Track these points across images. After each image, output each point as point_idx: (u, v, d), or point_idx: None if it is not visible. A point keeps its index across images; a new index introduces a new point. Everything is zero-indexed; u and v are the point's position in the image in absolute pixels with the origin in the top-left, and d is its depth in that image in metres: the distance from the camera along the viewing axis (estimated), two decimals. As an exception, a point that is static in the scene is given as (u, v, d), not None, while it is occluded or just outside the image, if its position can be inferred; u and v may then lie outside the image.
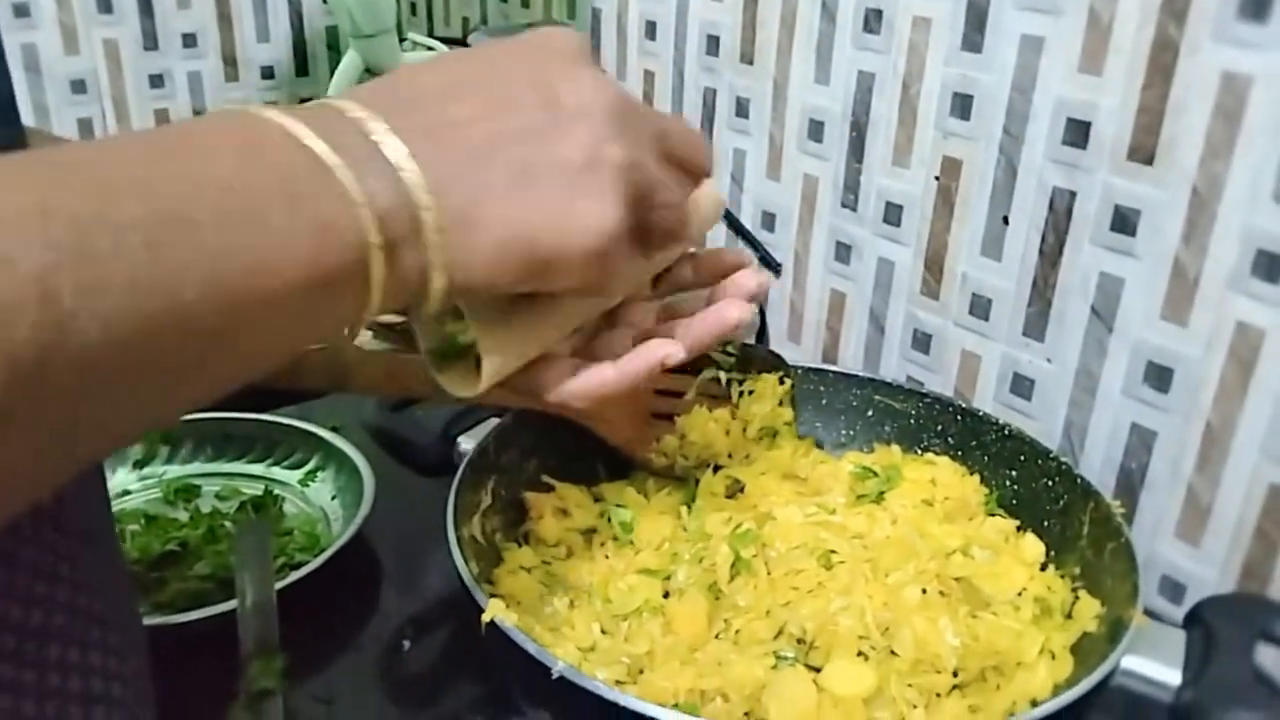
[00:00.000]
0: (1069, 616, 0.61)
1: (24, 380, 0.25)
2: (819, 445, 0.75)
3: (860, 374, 0.78)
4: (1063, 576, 0.64)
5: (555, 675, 0.49)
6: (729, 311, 0.49)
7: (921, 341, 0.83)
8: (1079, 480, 0.65)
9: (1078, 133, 0.68)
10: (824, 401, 0.77)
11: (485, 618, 0.52)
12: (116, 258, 0.27)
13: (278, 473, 0.79)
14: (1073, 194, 0.69)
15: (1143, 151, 0.65)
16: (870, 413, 0.77)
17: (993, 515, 0.69)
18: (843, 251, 0.87)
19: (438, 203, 0.35)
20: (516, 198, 0.37)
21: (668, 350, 0.46)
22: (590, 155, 0.38)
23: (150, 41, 1.25)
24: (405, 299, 0.37)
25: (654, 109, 0.44)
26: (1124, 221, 0.67)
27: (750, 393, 0.72)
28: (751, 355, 0.73)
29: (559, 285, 0.39)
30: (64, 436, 0.28)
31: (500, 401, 0.68)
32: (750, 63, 0.90)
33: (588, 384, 0.46)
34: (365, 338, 0.58)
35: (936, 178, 0.78)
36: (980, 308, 0.78)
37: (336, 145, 0.34)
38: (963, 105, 0.75)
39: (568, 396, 0.46)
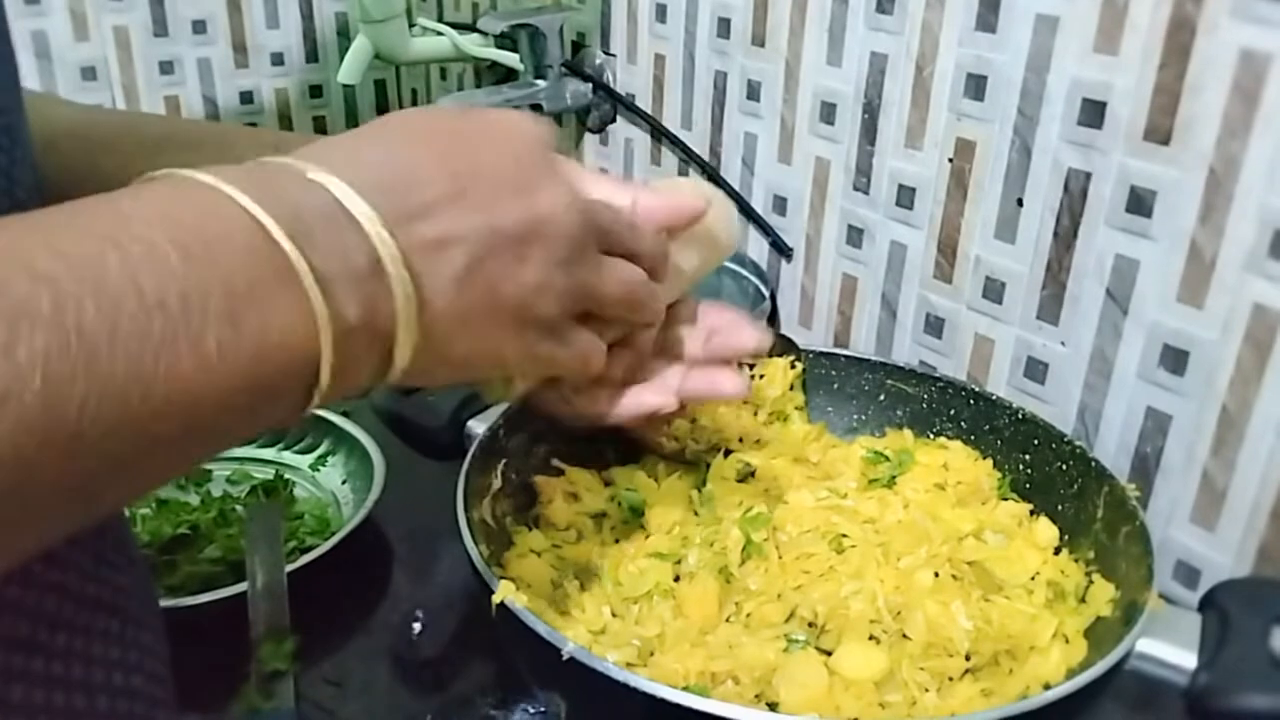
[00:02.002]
0: (1083, 601, 0.60)
1: None
2: (831, 429, 0.75)
3: (872, 358, 0.77)
4: (1076, 561, 0.63)
5: (565, 657, 0.49)
6: (724, 386, 0.57)
7: (934, 325, 0.82)
8: (1093, 464, 0.65)
9: (1093, 113, 0.67)
10: (835, 386, 0.77)
11: (495, 599, 0.52)
12: (4, 401, 0.24)
13: (288, 457, 0.79)
14: (1088, 175, 0.69)
15: (1159, 132, 0.64)
16: (882, 397, 0.76)
17: (1006, 500, 0.68)
18: (854, 235, 0.87)
19: (420, 324, 0.34)
20: (471, 318, 0.37)
21: (660, 401, 0.54)
22: (543, 281, 0.39)
23: (160, 28, 1.25)
24: (349, 393, 0.36)
25: (610, 208, 0.44)
26: (1139, 203, 0.66)
27: (761, 377, 0.72)
28: (763, 339, 0.72)
29: (494, 377, 0.44)
30: None
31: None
32: (762, 45, 0.89)
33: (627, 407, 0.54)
34: None
35: (950, 160, 0.77)
36: (993, 291, 0.77)
37: (307, 237, 0.31)
38: (976, 86, 0.74)
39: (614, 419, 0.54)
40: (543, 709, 0.59)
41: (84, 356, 0.25)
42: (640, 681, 0.47)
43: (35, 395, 0.24)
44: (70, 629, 0.34)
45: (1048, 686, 0.52)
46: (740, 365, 0.71)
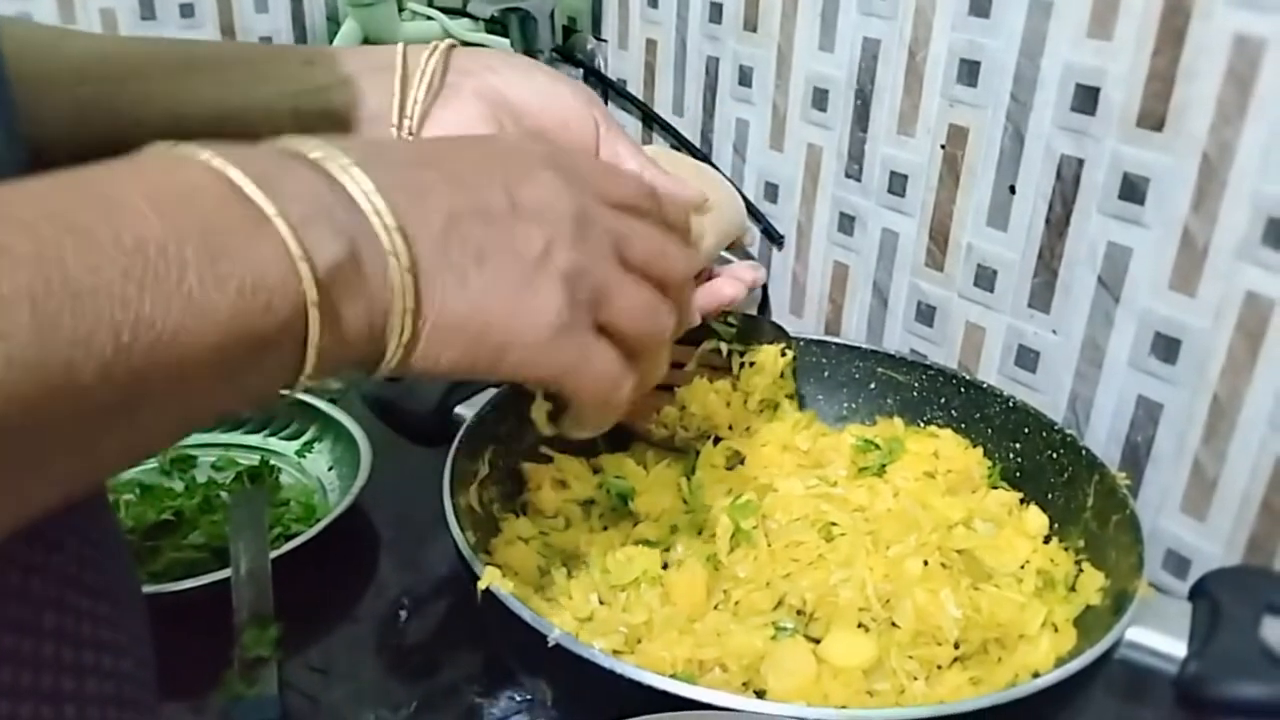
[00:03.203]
0: (1072, 589, 0.60)
1: None
2: (821, 418, 0.74)
3: (863, 346, 0.77)
4: (1066, 549, 0.63)
5: (552, 643, 0.48)
6: (725, 289, 0.55)
7: (925, 314, 0.82)
8: (1084, 452, 0.64)
9: (1086, 99, 0.67)
10: (826, 374, 0.77)
11: (481, 585, 0.51)
12: None
13: (274, 443, 0.79)
14: (1080, 162, 0.68)
15: (1152, 118, 0.64)
16: (873, 385, 0.76)
17: (996, 488, 0.68)
18: (846, 223, 0.86)
19: (408, 250, 0.33)
20: (470, 274, 0.36)
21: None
22: (542, 252, 0.38)
23: (148, 11, 1.23)
24: (346, 363, 0.34)
25: (624, 217, 0.42)
26: (1132, 190, 0.66)
27: (751, 364, 0.71)
28: (753, 327, 0.72)
29: (516, 378, 0.39)
30: None
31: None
32: (754, 30, 0.89)
33: None
34: None
35: (942, 146, 0.77)
36: (985, 279, 0.77)
37: (279, 192, 0.31)
38: (969, 72, 0.73)
39: None
40: (529, 697, 0.58)
41: (69, 293, 0.25)
42: (627, 668, 0.47)
43: (26, 331, 0.24)
44: (59, 610, 0.34)
45: (1037, 675, 0.52)
46: (730, 352, 0.71)
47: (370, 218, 0.33)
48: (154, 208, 0.28)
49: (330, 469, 0.76)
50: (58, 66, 0.48)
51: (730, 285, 0.59)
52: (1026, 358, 0.75)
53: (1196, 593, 0.55)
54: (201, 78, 0.49)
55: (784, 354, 0.72)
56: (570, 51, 1.08)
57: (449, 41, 0.52)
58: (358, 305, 0.33)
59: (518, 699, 0.58)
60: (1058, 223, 0.71)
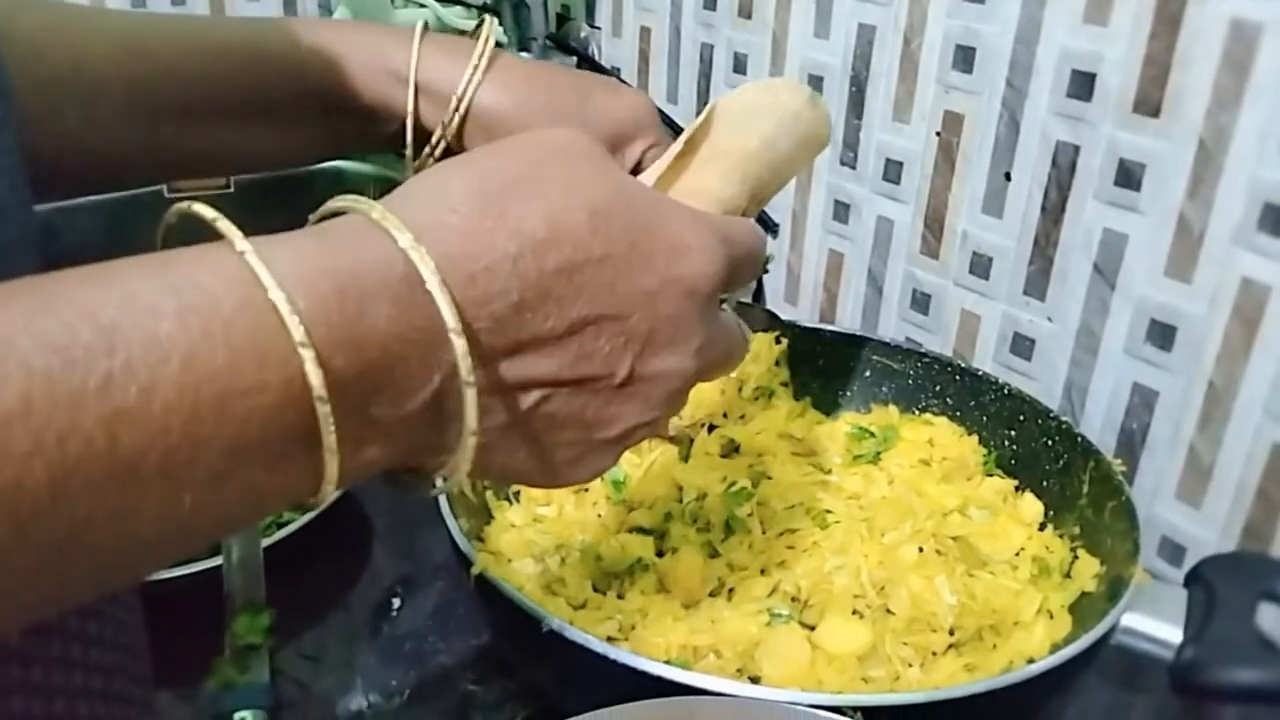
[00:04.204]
0: (1067, 576, 0.60)
1: None
2: (815, 405, 0.74)
3: (858, 334, 0.77)
4: (1061, 536, 0.63)
5: (546, 630, 0.48)
6: None
7: (920, 301, 0.82)
8: (1079, 439, 0.64)
9: (1082, 85, 0.67)
10: (820, 362, 0.76)
11: (474, 571, 0.51)
12: None
13: (266, 432, 0.78)
14: (1076, 148, 0.68)
15: (1148, 104, 0.63)
16: (868, 373, 0.76)
17: (991, 475, 0.68)
18: (841, 210, 0.86)
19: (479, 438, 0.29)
20: (519, 447, 0.32)
21: None
22: (621, 435, 0.33)
23: (138, 0, 1.23)
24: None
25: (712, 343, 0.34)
26: (1128, 176, 0.65)
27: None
28: (747, 314, 0.71)
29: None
30: None
31: None
32: (748, 17, 0.88)
33: None
34: None
35: (938, 133, 0.76)
36: (980, 266, 0.76)
37: (343, 396, 0.26)
38: (965, 58, 0.73)
39: None
40: (523, 684, 0.58)
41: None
42: (621, 655, 0.47)
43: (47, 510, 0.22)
44: (46, 633, 0.33)
45: (1032, 661, 0.52)
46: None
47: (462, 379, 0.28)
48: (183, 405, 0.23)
49: (323, 457, 0.75)
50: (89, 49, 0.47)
51: None
52: (1022, 345, 0.75)
53: (1192, 579, 0.55)
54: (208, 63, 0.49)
55: (779, 342, 0.72)
56: (564, 39, 1.07)
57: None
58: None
59: (511, 687, 0.58)
60: (1053, 210, 0.70)
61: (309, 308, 0.25)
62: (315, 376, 0.25)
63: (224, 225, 0.26)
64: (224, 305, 0.24)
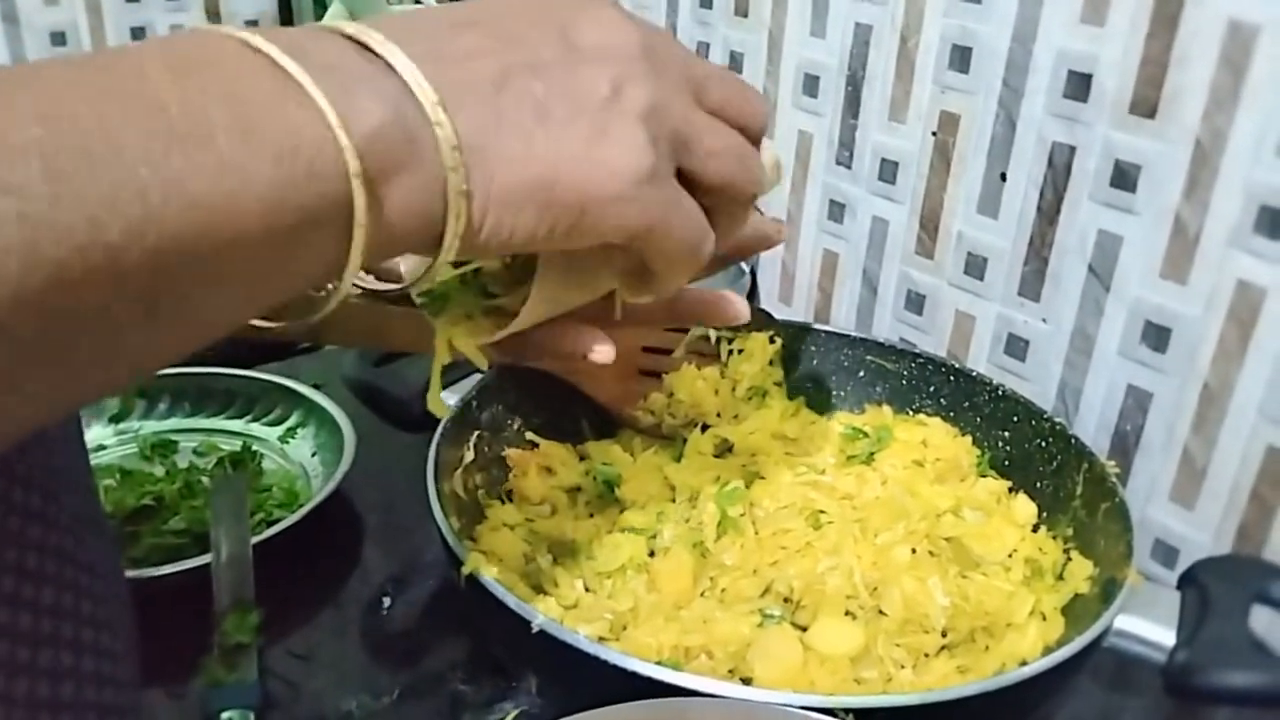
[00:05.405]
0: (1060, 578, 0.60)
1: None
2: (809, 405, 0.74)
3: (852, 334, 0.77)
4: (1055, 538, 0.63)
5: (536, 629, 0.48)
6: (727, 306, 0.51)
7: (915, 302, 0.81)
8: (1073, 441, 0.64)
9: (1078, 85, 0.66)
10: (815, 362, 0.76)
11: (465, 570, 0.51)
12: (5, 193, 0.22)
13: (256, 429, 0.78)
14: (1072, 149, 0.68)
15: (1145, 104, 0.63)
16: (862, 373, 0.76)
17: (984, 476, 0.68)
18: (836, 210, 0.86)
19: (450, 120, 0.30)
20: (532, 133, 0.32)
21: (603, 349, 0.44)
22: (611, 93, 0.34)
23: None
24: (401, 247, 0.32)
25: (697, 57, 0.38)
26: (1124, 177, 0.65)
27: (740, 351, 0.71)
28: (741, 314, 0.71)
29: (596, 238, 0.34)
30: None
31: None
32: (745, 15, 0.88)
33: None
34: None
35: (934, 133, 0.76)
36: (975, 267, 0.76)
37: (311, 60, 0.29)
38: (961, 58, 0.73)
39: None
40: (513, 684, 0.58)
41: (82, 148, 0.24)
42: (612, 655, 0.46)
43: (39, 185, 0.23)
44: (35, 611, 0.33)
45: (1024, 663, 0.52)
46: (719, 340, 0.70)
47: (411, 87, 0.30)
48: (173, 73, 0.26)
49: (313, 455, 0.75)
50: None
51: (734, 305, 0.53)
52: (1016, 346, 0.75)
53: (1185, 581, 0.55)
54: None
55: (772, 341, 0.72)
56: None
57: None
58: (407, 181, 0.30)
59: (502, 687, 0.58)
60: (1049, 210, 0.70)
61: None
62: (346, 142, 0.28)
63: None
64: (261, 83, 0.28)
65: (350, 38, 0.31)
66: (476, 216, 0.32)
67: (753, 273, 0.93)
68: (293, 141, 0.28)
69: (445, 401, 0.58)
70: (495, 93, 0.32)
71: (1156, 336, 0.66)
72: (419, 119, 0.30)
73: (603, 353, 0.43)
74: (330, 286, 0.33)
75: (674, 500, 0.64)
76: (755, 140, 0.40)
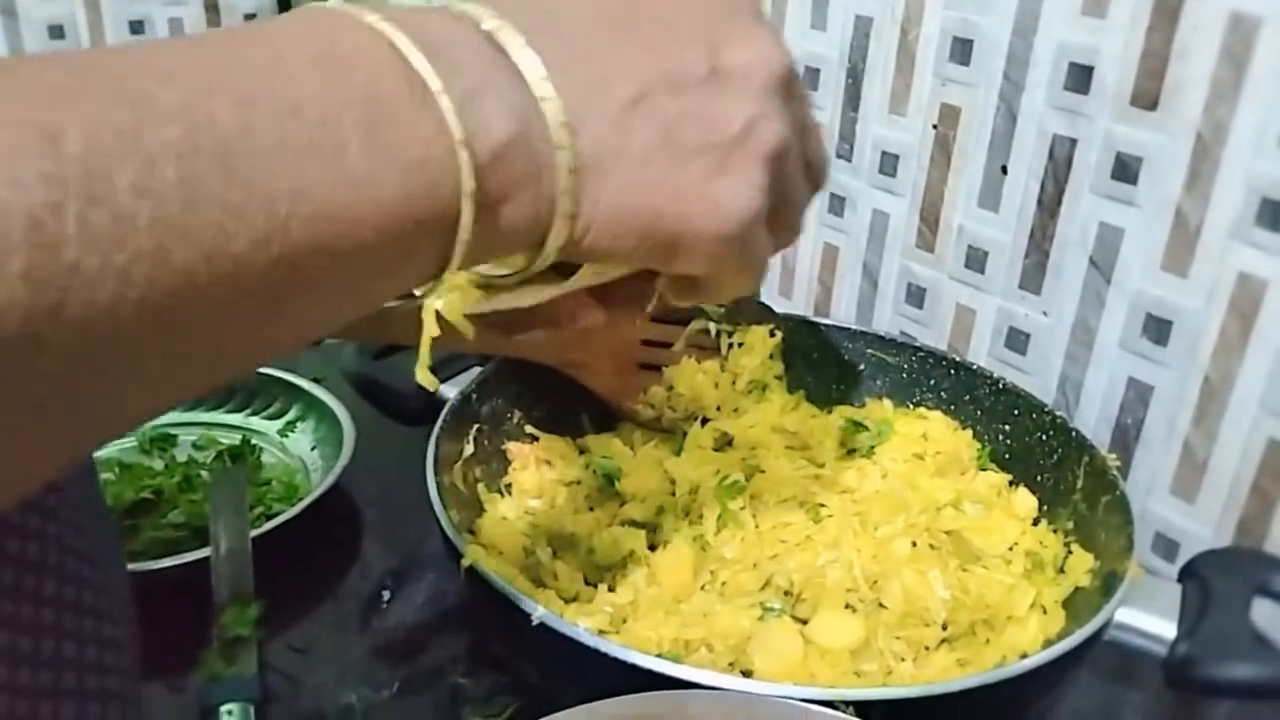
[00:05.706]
0: (1061, 571, 0.60)
1: (3, 351, 0.20)
2: (809, 399, 0.74)
3: (852, 327, 0.76)
4: (1055, 531, 0.63)
5: (535, 622, 0.48)
6: None
7: (915, 295, 0.81)
8: (1074, 434, 0.64)
9: (1080, 78, 0.66)
10: (815, 355, 0.76)
11: (464, 562, 0.51)
12: (141, 195, 0.21)
13: (256, 423, 0.78)
14: (1073, 141, 0.68)
15: (1146, 97, 0.63)
16: (862, 367, 0.76)
17: (985, 470, 0.68)
18: (836, 203, 0.85)
19: (573, 143, 0.29)
20: (653, 157, 0.31)
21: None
22: (742, 130, 0.32)
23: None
24: (492, 256, 0.31)
25: (807, 92, 0.37)
26: (1125, 169, 0.65)
27: (740, 345, 0.71)
28: (741, 308, 0.71)
29: (682, 269, 0.34)
30: (53, 420, 0.22)
31: (481, 348, 0.66)
32: (744, 8, 0.88)
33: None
34: None
35: (934, 126, 0.76)
36: (976, 260, 0.76)
37: (441, 60, 0.27)
38: (962, 50, 0.73)
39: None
40: (513, 678, 0.58)
41: (219, 155, 0.23)
42: (612, 648, 0.46)
43: (172, 189, 0.22)
44: (36, 602, 0.33)
45: (1025, 656, 0.52)
46: (719, 333, 0.70)
47: (541, 103, 0.29)
48: (314, 68, 0.26)
49: (313, 448, 0.75)
50: None
51: None
52: (1017, 339, 0.75)
53: (1186, 574, 0.55)
54: None
55: (772, 335, 0.72)
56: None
57: None
58: (521, 198, 0.29)
59: (502, 680, 0.58)
60: (1050, 203, 0.70)
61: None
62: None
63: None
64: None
65: (489, 35, 0.29)
66: (577, 234, 0.31)
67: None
68: (421, 154, 0.27)
69: (435, 380, 0.57)
70: (625, 112, 0.31)
71: (1157, 329, 0.66)
72: (542, 137, 0.29)
73: (592, 317, 0.42)
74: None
75: (674, 494, 0.64)
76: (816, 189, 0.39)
